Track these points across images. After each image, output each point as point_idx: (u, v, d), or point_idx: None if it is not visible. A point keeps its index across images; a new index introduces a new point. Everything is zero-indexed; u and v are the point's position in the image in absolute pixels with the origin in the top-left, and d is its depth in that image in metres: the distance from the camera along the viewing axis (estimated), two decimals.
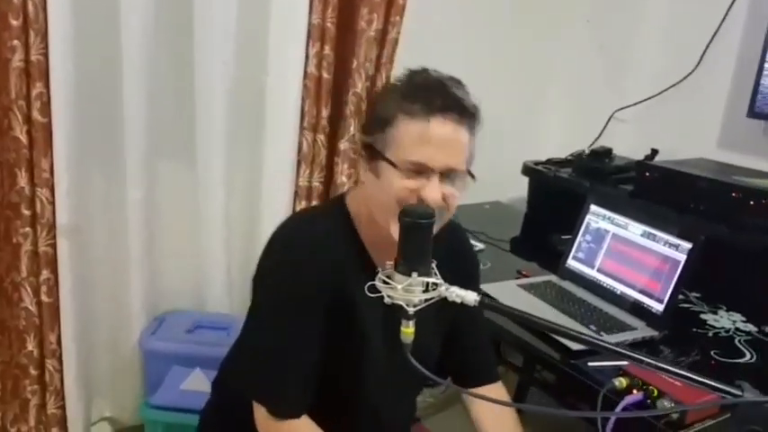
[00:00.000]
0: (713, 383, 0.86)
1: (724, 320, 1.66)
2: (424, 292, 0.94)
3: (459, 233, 1.37)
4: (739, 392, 0.85)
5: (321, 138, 2.11)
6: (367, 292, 0.96)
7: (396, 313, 0.99)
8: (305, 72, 2.03)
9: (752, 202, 1.81)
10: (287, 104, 2.05)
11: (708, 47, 2.34)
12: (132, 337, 2.08)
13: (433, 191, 1.08)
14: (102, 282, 2.05)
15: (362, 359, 1.20)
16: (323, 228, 1.18)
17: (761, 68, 2.09)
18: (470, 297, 0.93)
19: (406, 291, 0.94)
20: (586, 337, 0.93)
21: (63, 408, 1.99)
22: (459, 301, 0.94)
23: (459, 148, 1.11)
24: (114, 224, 2.00)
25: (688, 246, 1.52)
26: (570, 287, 1.72)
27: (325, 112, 2.09)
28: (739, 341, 1.55)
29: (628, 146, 2.53)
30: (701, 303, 1.75)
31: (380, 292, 0.95)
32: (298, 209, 2.15)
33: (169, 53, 1.95)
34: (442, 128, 1.08)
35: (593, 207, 1.75)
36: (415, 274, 0.93)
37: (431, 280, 0.94)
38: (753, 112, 2.15)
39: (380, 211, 1.13)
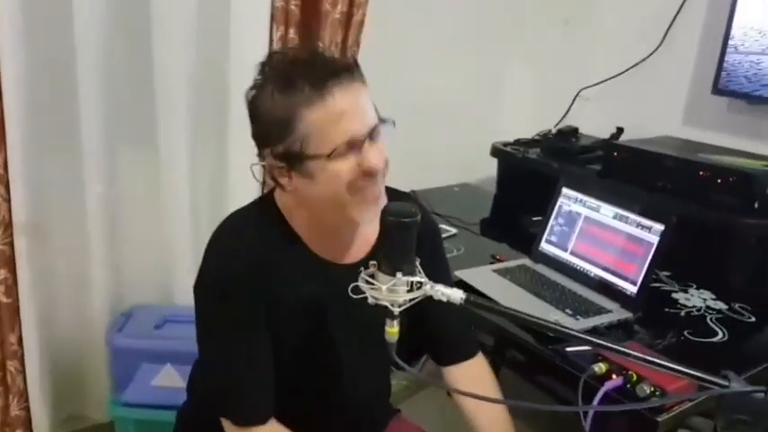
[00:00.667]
0: (700, 374, 0.86)
1: (695, 299, 1.68)
2: (408, 291, 0.92)
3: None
4: (726, 383, 0.85)
5: None
6: (351, 294, 0.93)
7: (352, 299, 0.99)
8: None
9: (719, 180, 1.83)
10: None
11: (672, 24, 2.35)
12: (97, 334, 2.02)
13: (374, 156, 1.04)
14: (64, 279, 1.99)
15: (323, 347, 1.18)
16: (253, 227, 1.14)
17: (725, 45, 2.11)
18: (456, 295, 0.92)
19: (391, 291, 0.91)
20: (578, 334, 0.92)
21: (27, 409, 1.94)
22: (444, 299, 0.92)
23: (367, 105, 1.05)
24: (74, 219, 1.93)
25: (660, 227, 1.53)
26: (544, 270, 1.72)
27: None
28: (711, 319, 1.57)
29: (593, 124, 2.54)
30: (671, 282, 1.77)
31: (363, 293, 0.93)
32: None
33: (125, 40, 1.88)
34: (343, 97, 1.01)
35: (564, 190, 1.75)
36: (399, 274, 0.91)
37: (415, 279, 0.92)
38: (717, 89, 2.17)
39: (331, 207, 1.07)
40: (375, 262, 0.94)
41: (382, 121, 1.07)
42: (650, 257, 1.53)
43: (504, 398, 1.32)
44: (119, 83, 1.88)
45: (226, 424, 1.15)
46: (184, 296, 2.14)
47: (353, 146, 1.03)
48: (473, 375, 1.32)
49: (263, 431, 1.13)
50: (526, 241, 1.88)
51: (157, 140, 1.99)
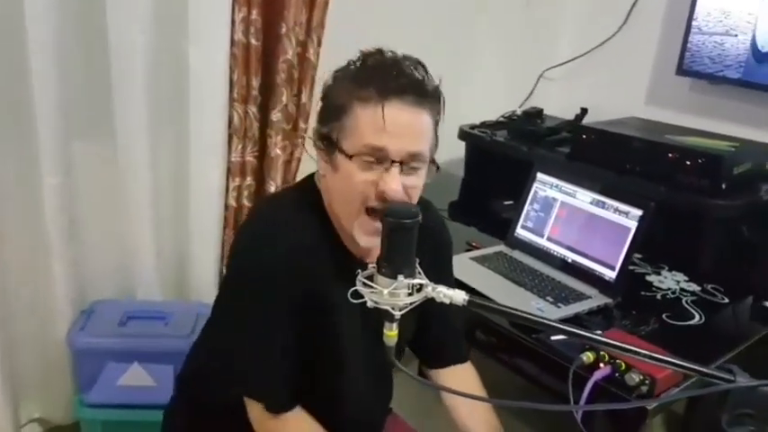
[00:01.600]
0: (705, 370, 0.86)
1: (669, 281, 1.70)
2: (409, 294, 0.89)
3: (432, 212, 1.31)
4: (731, 377, 0.85)
5: (253, 109, 2.00)
6: (350, 298, 0.90)
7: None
8: (232, 39, 1.89)
9: (688, 162, 1.85)
10: (214, 75, 1.92)
11: (634, 4, 2.36)
12: (58, 332, 1.92)
13: (392, 181, 1.01)
14: (21, 276, 1.88)
15: (340, 349, 1.16)
16: (294, 214, 1.12)
17: (689, 26, 2.13)
18: (459, 297, 0.89)
19: (392, 294, 0.88)
20: (588, 335, 0.91)
21: None
22: (447, 301, 0.89)
23: (420, 134, 1.04)
24: (30, 213, 1.82)
25: (638, 212, 1.53)
26: (521, 257, 1.72)
27: (255, 82, 1.97)
28: (686, 302, 1.60)
29: (557, 105, 2.54)
30: (644, 265, 1.79)
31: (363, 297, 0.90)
32: (231, 186, 2.04)
33: (79, 24, 1.77)
34: (398, 112, 1.01)
35: (539, 175, 1.74)
36: (401, 277, 0.88)
37: (416, 281, 0.89)
38: (681, 70, 2.19)
39: (342, 209, 1.08)
40: (373, 265, 0.90)
41: (432, 161, 1.07)
42: (628, 243, 1.54)
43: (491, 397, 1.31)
44: (73, 69, 1.77)
45: (254, 410, 1.13)
46: (147, 290, 2.07)
47: (381, 160, 1.02)
48: (462, 380, 1.32)
49: (292, 418, 1.12)
50: (498, 226, 1.87)
51: (114, 129, 1.90)
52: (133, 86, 1.86)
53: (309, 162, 2.11)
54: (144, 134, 1.91)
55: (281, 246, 1.07)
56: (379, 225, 1.02)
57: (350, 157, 1.02)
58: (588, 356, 1.27)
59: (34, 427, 2.05)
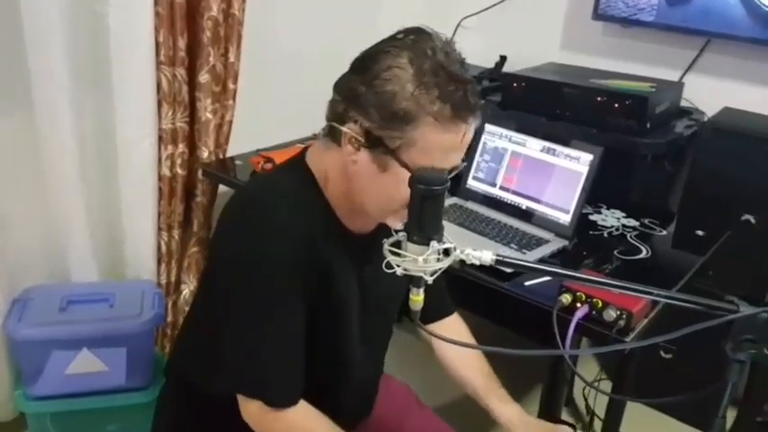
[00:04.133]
0: (712, 303, 0.94)
1: (610, 219, 1.81)
2: (437, 260, 0.90)
3: None
4: (735, 307, 0.93)
5: (181, 72, 1.90)
6: (385, 268, 0.89)
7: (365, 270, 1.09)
8: None
9: (616, 105, 1.95)
10: (138, 36, 1.79)
11: None
12: None
13: None
14: None
15: (341, 323, 1.15)
16: (289, 197, 1.06)
17: None
18: (487, 257, 0.91)
19: (426, 261, 0.89)
20: (608, 281, 0.96)
21: None
22: (477, 262, 0.91)
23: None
24: None
25: (589, 157, 1.61)
26: (476, 207, 1.76)
27: (182, 42, 1.87)
28: (631, 237, 1.71)
29: (476, 54, 2.58)
30: (584, 205, 1.88)
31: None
32: (164, 155, 1.94)
33: None
34: (466, 133, 1.00)
35: (488, 126, 1.78)
36: (434, 243, 0.88)
37: (447, 246, 0.90)
38: (597, 14, 2.28)
39: (376, 205, 1.06)
40: (404, 233, 0.90)
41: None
42: (580, 187, 1.62)
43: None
44: None
45: (250, 407, 1.08)
46: (82, 272, 1.96)
47: None
48: (453, 330, 1.35)
49: (295, 413, 1.08)
50: None
51: (32, 102, 1.74)
52: (50, 55, 1.71)
53: (241, 126, 2.07)
54: (65, 106, 1.77)
55: (282, 230, 1.02)
56: None
57: (409, 170, 0.97)
58: (566, 298, 1.34)
59: None
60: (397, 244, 0.91)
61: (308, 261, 1.04)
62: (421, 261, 0.88)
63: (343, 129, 1.01)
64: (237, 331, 1.07)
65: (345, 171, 1.05)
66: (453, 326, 1.37)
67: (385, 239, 0.92)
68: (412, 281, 0.92)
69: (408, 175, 0.96)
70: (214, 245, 1.12)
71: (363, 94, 0.98)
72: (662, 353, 2.17)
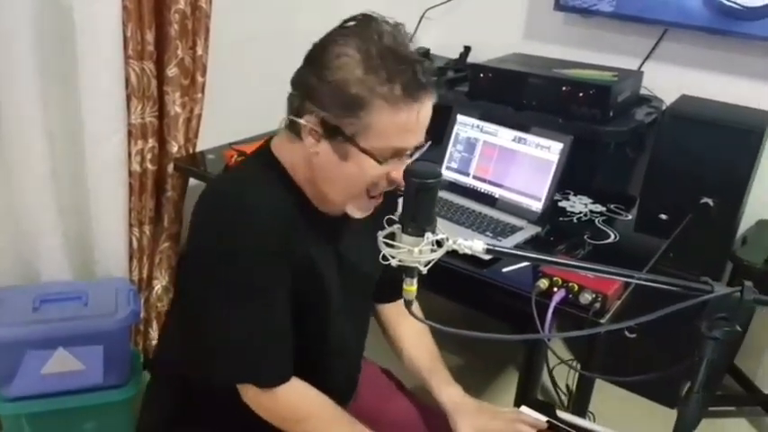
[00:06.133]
0: (687, 284, 0.99)
1: (578, 205, 1.87)
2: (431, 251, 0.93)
3: None
4: (710, 288, 0.99)
5: (149, 66, 1.88)
6: (381, 260, 0.92)
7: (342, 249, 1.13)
8: None
9: (581, 94, 2.01)
10: (106, 30, 1.76)
11: None
12: None
13: (403, 169, 1.02)
14: None
15: (323, 302, 1.17)
16: (261, 184, 1.08)
17: None
18: (478, 246, 0.94)
19: (421, 252, 0.91)
20: (568, 262, 1.00)
21: None
22: (469, 252, 0.94)
23: (428, 123, 1.06)
24: None
25: (559, 146, 1.66)
26: (450, 197, 1.80)
27: (149, 36, 1.85)
28: (599, 222, 1.77)
29: (440, 45, 2.62)
30: (555, 193, 1.94)
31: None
32: (134, 151, 1.92)
33: None
34: (423, 112, 1.02)
35: (460, 117, 1.81)
36: (428, 235, 0.91)
37: (440, 237, 0.93)
38: (559, 5, 2.34)
39: (340, 192, 1.08)
40: (398, 224, 0.93)
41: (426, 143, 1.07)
42: (552, 175, 1.67)
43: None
44: None
45: (247, 393, 1.11)
46: (53, 271, 1.92)
47: (400, 155, 1.03)
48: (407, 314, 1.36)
49: (287, 389, 1.11)
50: None
51: None
52: (15, 50, 1.67)
53: (211, 119, 2.06)
54: (32, 102, 1.74)
55: (255, 217, 1.04)
56: (375, 202, 1.09)
57: (375, 157, 1.01)
58: (544, 283, 1.39)
59: None
60: (392, 236, 0.94)
61: (284, 245, 1.06)
62: (416, 252, 0.91)
63: (302, 121, 1.03)
64: (219, 321, 1.08)
65: (309, 162, 1.07)
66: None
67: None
68: (405, 271, 0.95)
69: (369, 160, 1.00)
70: (190, 240, 1.13)
71: (316, 86, 1.00)
72: (627, 332, 2.25)
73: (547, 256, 1.04)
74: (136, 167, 1.94)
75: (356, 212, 1.10)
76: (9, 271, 1.89)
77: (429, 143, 1.08)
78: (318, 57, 1.01)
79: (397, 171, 1.03)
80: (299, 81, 1.04)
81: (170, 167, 2.03)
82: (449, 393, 1.28)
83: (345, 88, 0.97)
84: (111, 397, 1.82)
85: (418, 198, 0.91)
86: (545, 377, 2.27)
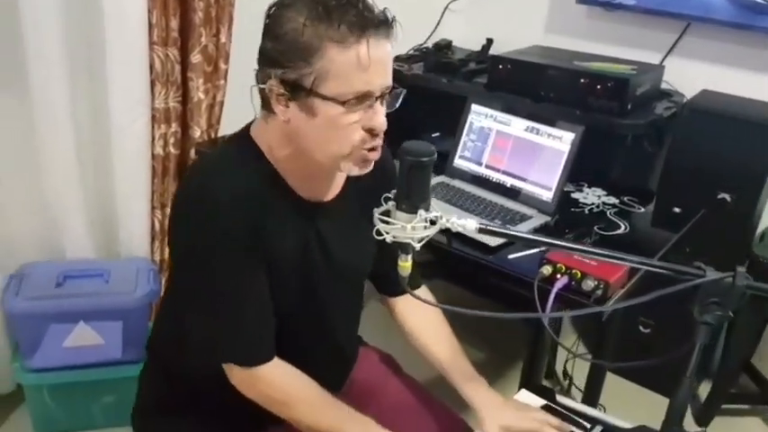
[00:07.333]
0: (681, 268, 1.00)
1: (591, 197, 1.88)
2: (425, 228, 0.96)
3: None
4: (703, 272, 0.99)
5: (173, 52, 1.93)
6: (375, 235, 0.95)
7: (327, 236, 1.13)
8: None
9: (599, 87, 2.01)
10: (132, 17, 1.82)
11: None
12: None
13: (380, 116, 1.05)
14: None
15: (303, 287, 1.18)
16: (235, 165, 1.10)
17: None
18: (471, 225, 0.96)
19: (414, 228, 0.94)
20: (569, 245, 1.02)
21: None
22: (461, 230, 0.97)
23: (391, 64, 1.05)
24: None
25: (571, 136, 1.67)
26: (462, 185, 1.82)
27: (174, 23, 1.90)
28: (610, 213, 1.78)
29: (463, 37, 2.63)
30: (566, 182, 1.94)
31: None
32: (157, 135, 1.98)
33: None
34: (376, 48, 1.00)
35: (474, 107, 1.83)
36: (421, 212, 0.94)
37: (434, 215, 0.95)
38: None
39: (324, 153, 1.07)
40: (393, 201, 0.95)
41: (395, 87, 1.07)
42: (563, 165, 1.68)
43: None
44: None
45: (232, 372, 1.13)
46: (77, 249, 2.00)
47: (366, 99, 1.02)
48: (419, 303, 1.30)
49: (269, 369, 1.13)
50: None
51: (28, 83, 1.78)
52: (45, 36, 1.74)
53: (233, 106, 2.11)
54: (60, 86, 1.82)
55: (226, 193, 1.05)
56: (372, 156, 1.08)
57: (342, 103, 1.01)
58: (547, 269, 1.40)
59: None
60: (387, 213, 0.97)
61: (250, 225, 1.07)
62: (409, 228, 0.94)
63: (266, 87, 1.03)
64: (197, 305, 1.12)
65: (287, 135, 1.07)
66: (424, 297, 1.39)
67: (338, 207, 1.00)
68: (400, 248, 0.97)
69: (336, 107, 1.00)
70: (169, 226, 1.16)
71: (270, 48, 1.02)
72: (641, 328, 2.25)
73: (538, 237, 1.06)
74: (159, 151, 2.00)
75: (354, 169, 1.09)
76: (36, 248, 1.96)
77: (402, 90, 1.08)
78: (268, 22, 1.03)
79: (371, 120, 1.03)
80: (259, 53, 1.05)
81: (192, 152, 2.08)
82: (474, 388, 1.25)
83: (295, 39, 0.98)
84: (129, 372, 1.87)
85: (412, 175, 0.93)
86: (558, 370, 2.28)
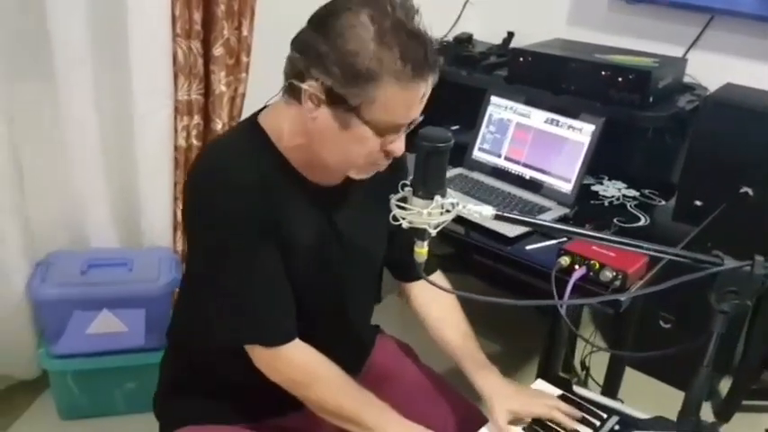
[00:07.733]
0: (699, 257, 1.00)
1: (611, 189, 1.87)
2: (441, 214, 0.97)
3: None
4: (720, 261, 0.99)
5: (196, 45, 1.95)
6: (392, 221, 0.96)
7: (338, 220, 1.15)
8: None
9: (620, 79, 2.00)
10: (156, 9, 1.85)
11: None
12: (14, 286, 1.86)
13: (402, 145, 1.07)
14: None
15: (318, 269, 1.19)
16: (245, 151, 1.11)
17: None
18: (486, 211, 0.97)
19: (430, 214, 0.95)
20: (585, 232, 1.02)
21: None
22: (477, 217, 0.97)
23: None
24: None
25: (591, 128, 1.66)
26: (481, 177, 1.82)
27: (197, 16, 1.92)
28: (631, 206, 1.77)
29: (483, 30, 2.63)
30: (586, 176, 1.94)
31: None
32: (180, 126, 2.01)
33: None
34: (425, 89, 1.04)
35: (493, 98, 1.83)
36: (438, 198, 0.95)
37: (450, 201, 0.96)
38: None
39: (336, 159, 1.09)
40: (409, 187, 0.97)
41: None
42: (582, 157, 1.68)
43: (465, 313, 1.36)
44: (5, 12, 1.67)
45: (255, 353, 1.14)
46: (101, 238, 2.04)
47: (399, 129, 1.05)
48: (434, 289, 1.30)
49: (292, 349, 1.14)
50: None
51: (55, 73, 1.81)
52: (70, 27, 1.78)
53: (254, 99, 2.13)
54: (85, 77, 1.86)
55: (232, 182, 1.06)
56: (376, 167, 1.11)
57: (377, 129, 1.02)
58: (565, 260, 1.41)
59: None
60: (404, 199, 0.98)
61: (263, 207, 1.08)
62: (425, 214, 0.95)
63: (304, 86, 1.01)
64: (217, 286, 1.13)
65: (305, 127, 1.07)
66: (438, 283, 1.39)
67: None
68: (416, 234, 0.98)
69: (369, 131, 1.02)
70: (183, 214, 1.19)
71: (325, 53, 0.98)
72: (661, 323, 2.23)
73: (552, 224, 1.06)
74: (181, 143, 2.03)
75: (358, 174, 1.11)
76: (61, 237, 2.00)
77: (422, 117, 1.09)
78: (330, 23, 0.99)
79: (392, 144, 1.06)
80: (304, 45, 1.02)
81: None
82: (484, 376, 1.25)
83: (357, 60, 0.97)
84: (151, 359, 1.90)
85: (429, 162, 0.94)
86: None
